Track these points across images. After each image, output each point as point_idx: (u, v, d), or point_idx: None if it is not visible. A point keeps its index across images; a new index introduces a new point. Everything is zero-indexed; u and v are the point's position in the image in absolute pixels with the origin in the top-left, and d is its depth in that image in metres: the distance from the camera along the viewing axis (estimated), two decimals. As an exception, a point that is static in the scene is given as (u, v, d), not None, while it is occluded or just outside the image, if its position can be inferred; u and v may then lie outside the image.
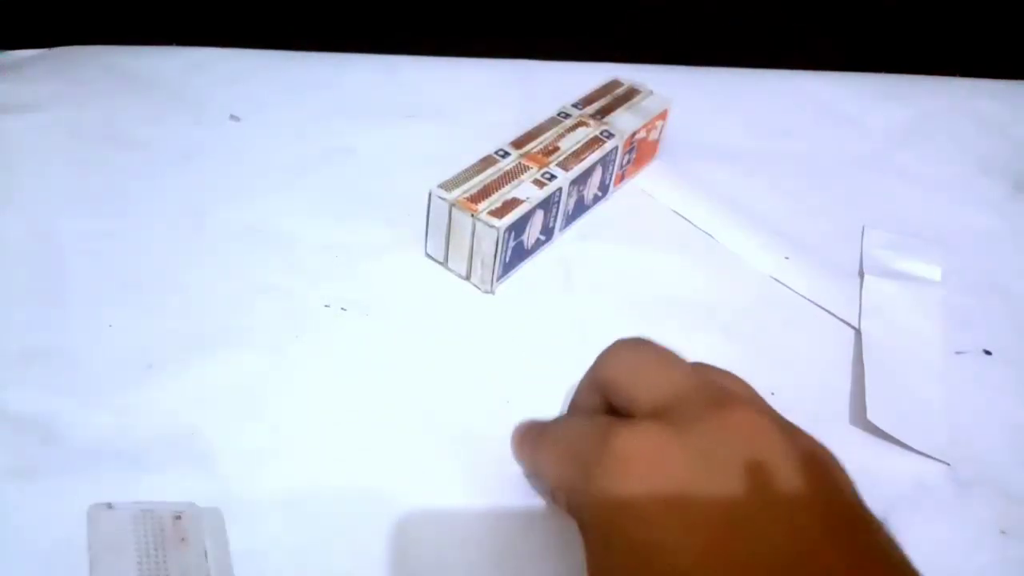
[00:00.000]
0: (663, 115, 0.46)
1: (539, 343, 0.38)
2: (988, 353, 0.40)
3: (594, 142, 0.43)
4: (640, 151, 0.46)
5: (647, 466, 0.23)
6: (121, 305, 0.38)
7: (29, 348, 0.35)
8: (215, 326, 0.37)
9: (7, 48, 0.54)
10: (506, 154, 0.41)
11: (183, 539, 0.25)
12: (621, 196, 0.46)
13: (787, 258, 0.43)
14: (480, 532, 0.30)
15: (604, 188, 0.45)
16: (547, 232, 0.42)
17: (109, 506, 0.26)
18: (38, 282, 0.38)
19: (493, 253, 0.38)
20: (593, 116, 0.44)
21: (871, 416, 0.35)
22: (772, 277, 0.42)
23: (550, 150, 0.42)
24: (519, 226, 0.38)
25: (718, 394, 0.26)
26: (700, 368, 0.28)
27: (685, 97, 0.48)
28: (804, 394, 0.37)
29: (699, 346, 0.39)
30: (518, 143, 0.42)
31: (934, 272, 0.43)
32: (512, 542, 0.30)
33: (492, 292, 0.40)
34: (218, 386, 0.34)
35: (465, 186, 0.39)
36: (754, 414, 0.25)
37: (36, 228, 0.41)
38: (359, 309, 0.38)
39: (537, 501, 0.31)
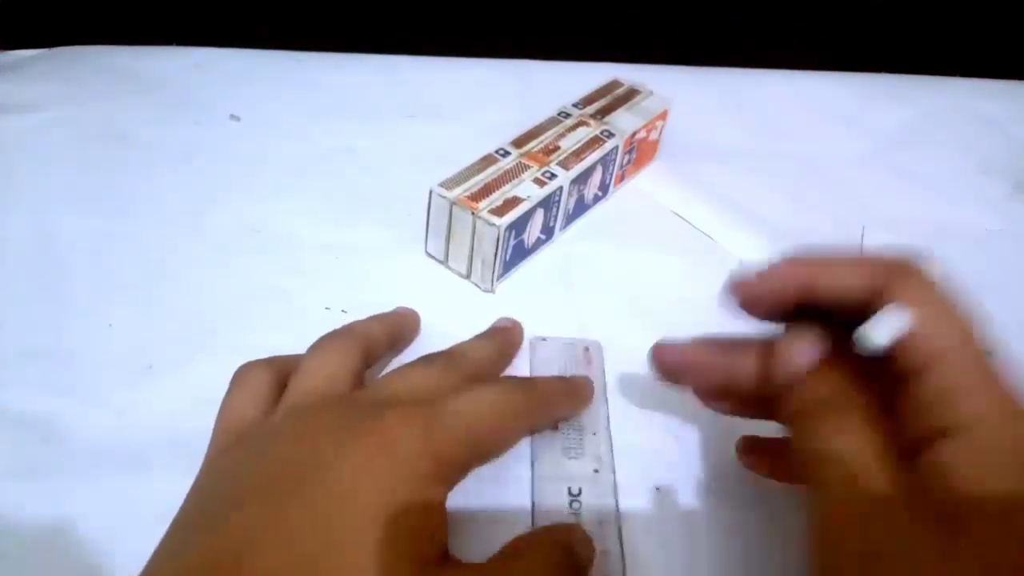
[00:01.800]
0: (663, 115, 0.46)
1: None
2: (988, 353, 0.40)
3: (594, 142, 0.43)
4: (640, 151, 0.46)
5: None
6: (121, 305, 0.38)
7: (29, 348, 0.35)
8: (215, 326, 0.37)
9: (7, 48, 0.54)
10: (506, 153, 0.41)
11: (589, 362, 0.36)
12: (621, 196, 0.46)
13: (787, 258, 0.43)
14: (480, 531, 0.30)
15: (604, 188, 0.45)
16: (547, 231, 0.42)
17: (543, 339, 0.37)
18: (38, 282, 0.38)
19: (494, 252, 0.38)
20: (593, 116, 0.44)
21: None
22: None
23: (550, 149, 0.42)
24: (520, 224, 0.38)
25: None
26: None
27: (685, 97, 0.48)
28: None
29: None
30: (518, 142, 0.42)
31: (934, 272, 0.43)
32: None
33: (492, 291, 0.40)
34: (218, 386, 0.34)
35: (466, 184, 0.39)
36: None
37: (36, 228, 0.41)
38: (360, 311, 0.38)
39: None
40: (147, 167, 0.45)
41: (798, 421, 0.25)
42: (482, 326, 0.37)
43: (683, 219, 0.45)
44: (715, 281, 0.43)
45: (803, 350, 0.25)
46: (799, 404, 0.25)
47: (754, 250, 0.44)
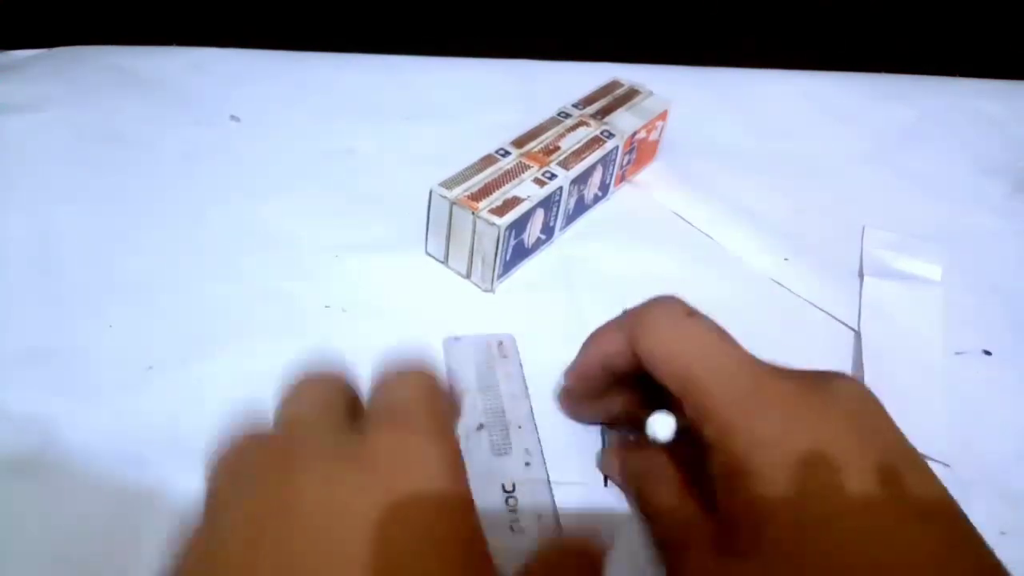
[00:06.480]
0: (663, 115, 0.46)
1: (539, 342, 0.38)
2: (988, 353, 0.40)
3: (594, 142, 0.43)
4: (640, 151, 0.46)
5: None
6: (121, 305, 0.38)
7: (29, 348, 0.35)
8: (215, 327, 0.37)
9: (7, 48, 0.54)
10: (507, 153, 0.41)
11: (505, 356, 0.36)
12: (621, 196, 0.46)
13: (787, 259, 0.43)
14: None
15: (604, 188, 0.45)
16: (547, 231, 0.42)
17: (456, 339, 0.37)
18: (38, 282, 0.38)
19: (494, 251, 0.38)
20: (593, 116, 0.44)
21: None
22: (772, 279, 0.42)
23: (551, 149, 0.42)
24: (520, 224, 0.38)
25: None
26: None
27: (685, 97, 0.48)
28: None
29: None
30: (519, 142, 0.42)
31: (934, 272, 0.43)
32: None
33: (492, 291, 0.40)
34: (218, 386, 0.34)
35: (466, 184, 0.39)
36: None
37: (36, 228, 0.41)
38: (360, 310, 0.38)
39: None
40: (147, 167, 0.45)
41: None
42: (482, 326, 0.37)
43: (683, 219, 0.45)
44: (715, 281, 0.43)
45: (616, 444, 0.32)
46: (628, 481, 0.31)
47: (754, 250, 0.44)
